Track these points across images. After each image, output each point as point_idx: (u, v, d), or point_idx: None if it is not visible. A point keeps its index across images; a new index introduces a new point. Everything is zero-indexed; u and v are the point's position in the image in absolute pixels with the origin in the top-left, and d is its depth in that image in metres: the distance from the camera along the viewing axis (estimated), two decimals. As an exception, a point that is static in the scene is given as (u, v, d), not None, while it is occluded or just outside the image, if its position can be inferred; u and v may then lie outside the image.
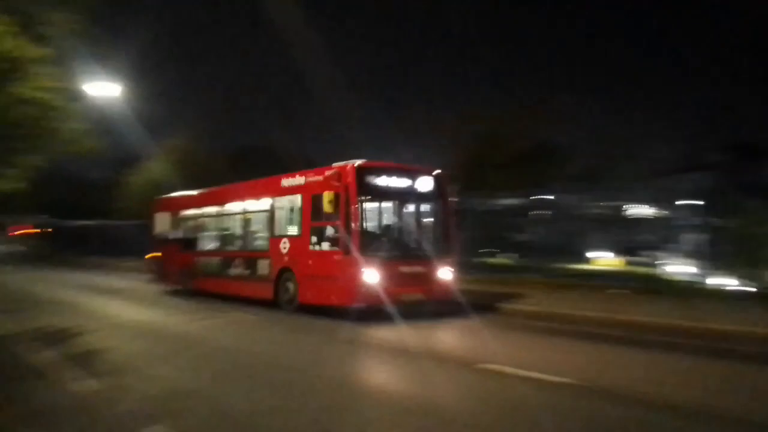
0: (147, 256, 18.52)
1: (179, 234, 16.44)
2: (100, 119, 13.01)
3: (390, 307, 10.21)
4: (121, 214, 34.84)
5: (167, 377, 6.49)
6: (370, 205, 11.47)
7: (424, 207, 12.02)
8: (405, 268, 10.80)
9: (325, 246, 11.05)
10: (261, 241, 13.29)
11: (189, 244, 15.81)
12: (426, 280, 10.97)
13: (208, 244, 15.28)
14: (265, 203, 13.14)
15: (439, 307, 11.02)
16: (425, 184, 11.53)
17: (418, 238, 11.75)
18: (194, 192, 16.82)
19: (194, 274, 15.21)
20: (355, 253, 10.30)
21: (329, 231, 11.02)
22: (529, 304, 11.90)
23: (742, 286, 14.23)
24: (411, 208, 12.09)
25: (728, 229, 15.55)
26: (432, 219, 12.06)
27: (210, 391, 5.86)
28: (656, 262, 15.70)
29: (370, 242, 10.77)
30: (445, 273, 11.22)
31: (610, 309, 10.86)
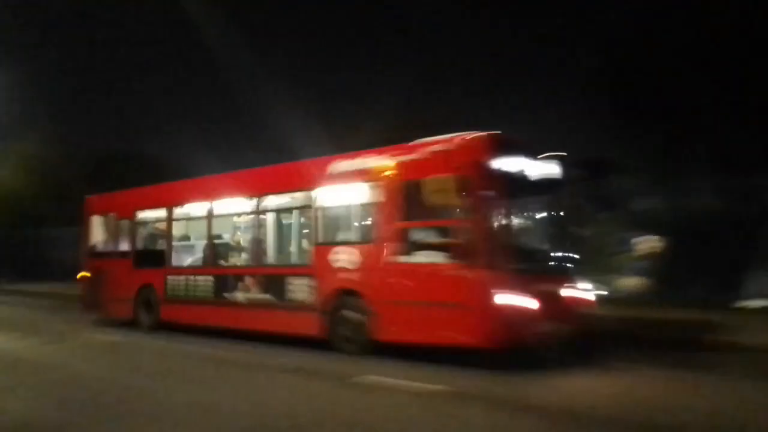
0: (79, 276, 14.14)
1: (135, 244, 12.71)
2: None
3: (537, 347, 7.44)
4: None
5: (15, 409, 5.78)
6: (498, 197, 7.74)
7: (557, 202, 8.92)
8: (553, 289, 7.92)
9: (430, 256, 7.75)
10: (294, 250, 10.14)
11: (152, 258, 12.14)
12: (573, 304, 8.18)
13: (190, 256, 11.82)
14: (299, 197, 9.75)
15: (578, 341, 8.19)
16: (558, 170, 8.59)
17: (559, 245, 8.81)
18: (162, 186, 12.94)
19: (162, 300, 11.56)
20: (491, 266, 7.17)
21: (434, 235, 7.93)
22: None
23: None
24: (545, 202, 8.99)
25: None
26: (563, 219, 8.99)
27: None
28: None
29: (508, 251, 7.46)
30: (586, 293, 8.49)
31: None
